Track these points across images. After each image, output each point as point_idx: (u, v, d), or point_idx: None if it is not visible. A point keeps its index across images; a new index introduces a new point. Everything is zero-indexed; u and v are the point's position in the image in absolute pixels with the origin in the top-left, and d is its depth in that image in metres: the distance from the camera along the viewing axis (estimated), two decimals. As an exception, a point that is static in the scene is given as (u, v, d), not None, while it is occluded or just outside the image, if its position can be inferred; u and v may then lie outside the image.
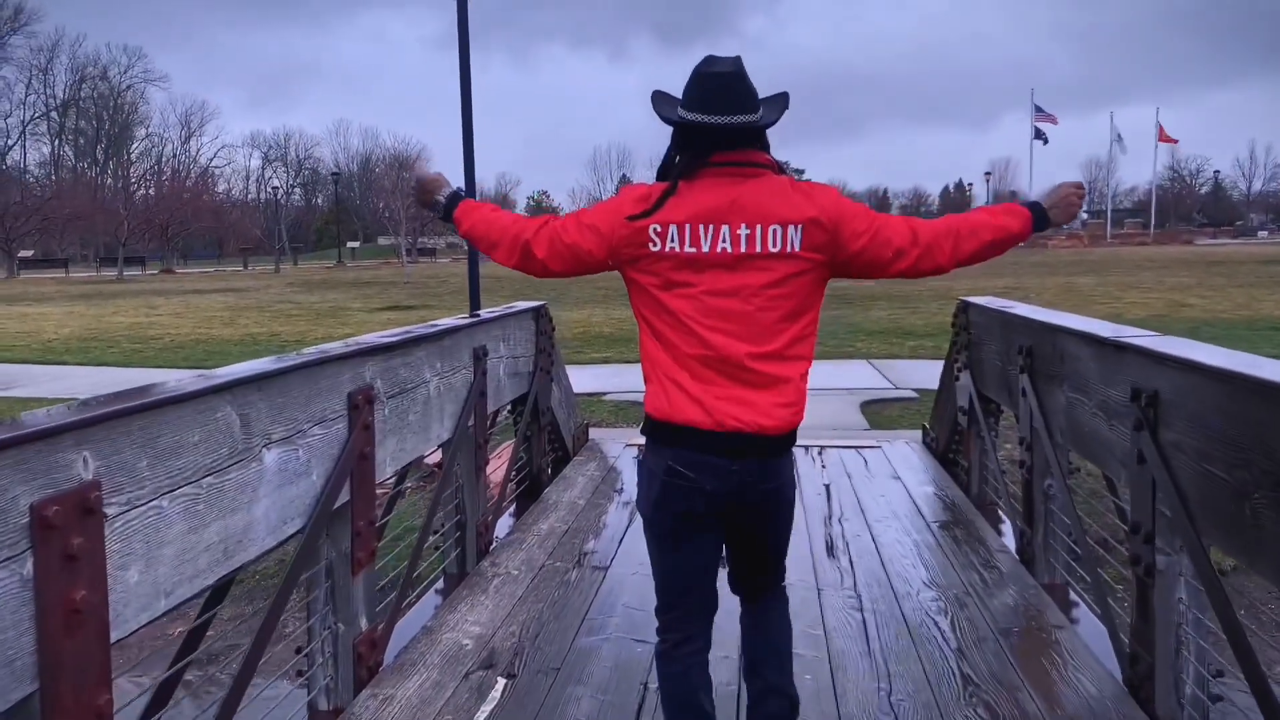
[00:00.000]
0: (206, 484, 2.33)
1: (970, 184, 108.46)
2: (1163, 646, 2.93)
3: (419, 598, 4.26)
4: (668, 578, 2.42)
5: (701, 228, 2.18)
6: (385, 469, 3.45)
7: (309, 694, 3.15)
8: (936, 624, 3.69)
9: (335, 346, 3.19)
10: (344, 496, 3.07)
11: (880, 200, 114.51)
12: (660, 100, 2.33)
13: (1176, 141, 69.76)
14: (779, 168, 2.30)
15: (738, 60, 2.27)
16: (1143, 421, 2.92)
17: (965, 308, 5.70)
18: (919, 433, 7.21)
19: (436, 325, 4.17)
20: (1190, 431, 2.68)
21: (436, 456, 5.16)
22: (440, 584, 4.41)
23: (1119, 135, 67.27)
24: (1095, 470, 4.22)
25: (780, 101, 2.33)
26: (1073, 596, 4.13)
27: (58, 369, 13.28)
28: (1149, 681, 2.99)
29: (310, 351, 3.06)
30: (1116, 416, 3.24)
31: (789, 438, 2.28)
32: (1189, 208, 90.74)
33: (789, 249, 2.18)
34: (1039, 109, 66.18)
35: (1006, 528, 5.06)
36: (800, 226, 2.18)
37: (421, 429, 3.81)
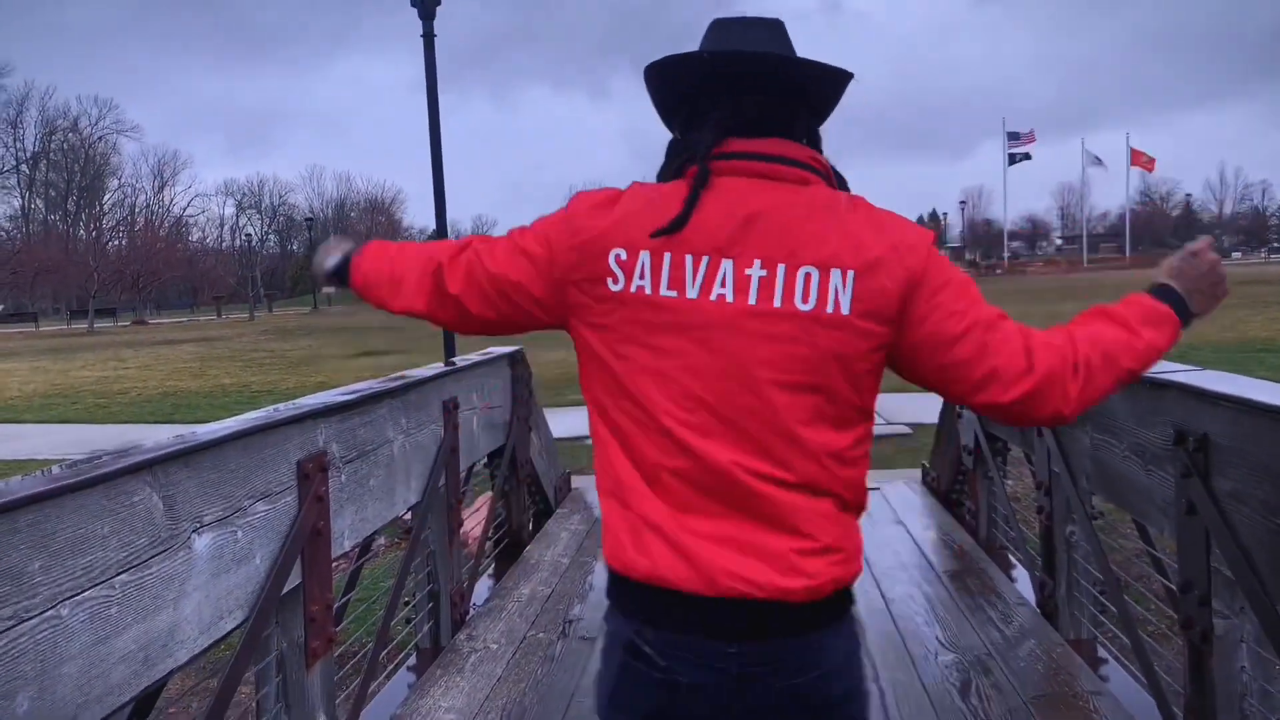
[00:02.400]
0: (120, 583, 1.96)
1: (945, 214, 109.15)
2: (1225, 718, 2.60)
3: (388, 679, 3.88)
4: None
5: (689, 260, 1.34)
6: (344, 542, 3.09)
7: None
8: (961, 694, 3.35)
9: (281, 409, 2.83)
10: (295, 579, 2.71)
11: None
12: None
13: (1153, 165, 70.20)
14: (833, 178, 1.45)
15: (779, 21, 1.50)
16: (1191, 468, 2.61)
17: (965, 341, 5.40)
18: (918, 471, 6.88)
19: (400, 378, 3.82)
20: (1253, 481, 2.36)
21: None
22: (412, 660, 4.04)
23: (1096, 158, 67.77)
24: (1105, 506, 3.91)
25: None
26: (1102, 653, 3.80)
27: (15, 428, 12.79)
28: (1210, 760, 2.65)
29: (252, 416, 2.71)
30: (1155, 461, 2.93)
31: (832, 604, 1.40)
32: (1162, 231, 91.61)
33: (830, 309, 1.32)
34: (1013, 134, 66.74)
35: (1019, 573, 4.73)
36: (852, 274, 1.32)
37: (385, 494, 3.45)
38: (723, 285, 1.34)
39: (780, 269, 1.33)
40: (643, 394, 1.37)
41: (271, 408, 2.83)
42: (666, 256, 1.35)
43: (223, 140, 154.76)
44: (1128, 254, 67.10)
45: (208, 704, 2.34)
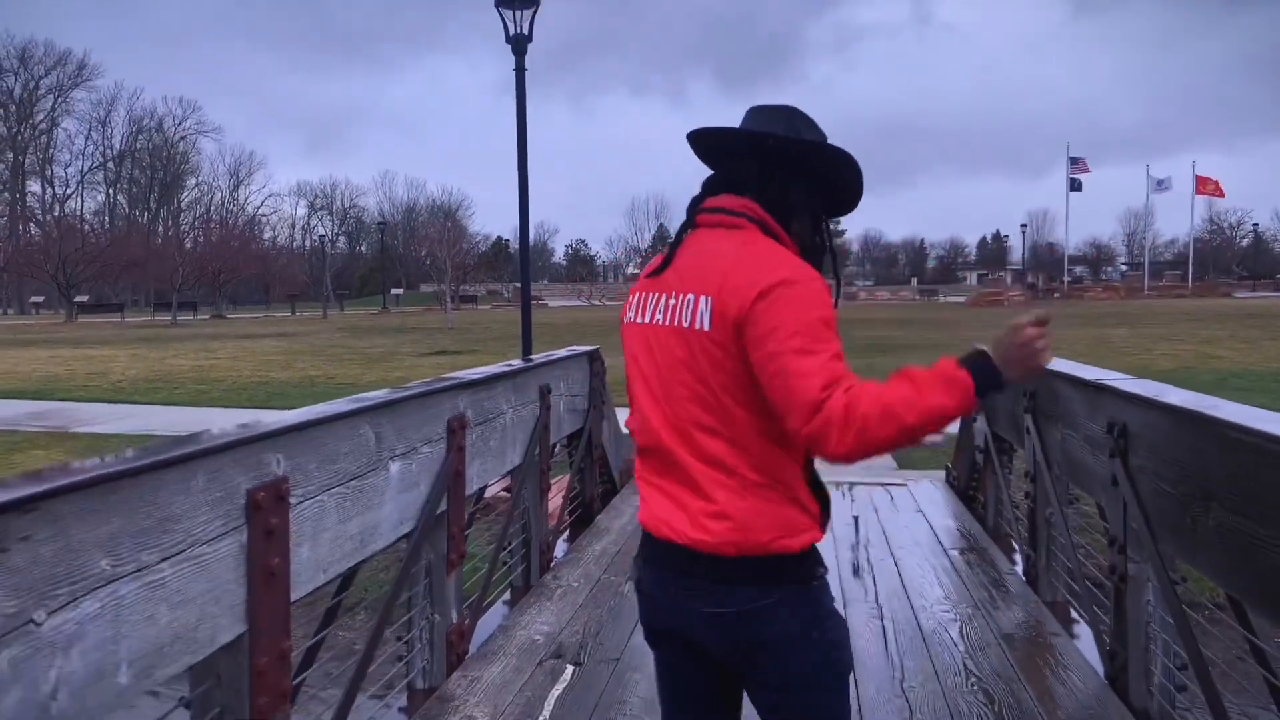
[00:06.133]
0: (352, 486, 2.94)
1: (1007, 235, 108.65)
2: (1135, 643, 3.44)
3: (490, 607, 4.83)
4: (658, 691, 2.07)
5: (651, 296, 1.89)
6: (471, 486, 4.06)
7: (408, 675, 3.72)
8: (947, 631, 4.22)
9: (437, 381, 3.82)
10: (442, 505, 3.67)
11: (917, 251, 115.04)
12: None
13: (1221, 192, 69.18)
14: (770, 224, 1.84)
15: (789, 107, 1.94)
16: (1115, 450, 3.46)
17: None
18: (943, 472, 7.71)
19: (511, 365, 4.81)
20: (1150, 456, 3.22)
21: (493, 490, 5.78)
22: (507, 596, 4.99)
23: (1159, 181, 67.17)
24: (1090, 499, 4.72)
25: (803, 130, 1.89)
26: (1073, 614, 4.63)
27: (130, 407, 14.10)
28: (1124, 674, 3.50)
29: (419, 384, 3.69)
30: (1098, 447, 3.78)
31: (758, 566, 1.78)
32: (1229, 260, 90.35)
33: (698, 326, 1.76)
34: (1074, 159, 66.66)
35: (1020, 556, 5.56)
36: (710, 300, 1.75)
37: (499, 454, 4.42)
38: (657, 311, 1.86)
39: (681, 297, 1.81)
40: (629, 391, 1.95)
41: (432, 379, 3.82)
42: (640, 295, 1.92)
43: (300, 141, 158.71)
44: (1190, 282, 66.55)
45: (393, 582, 3.31)
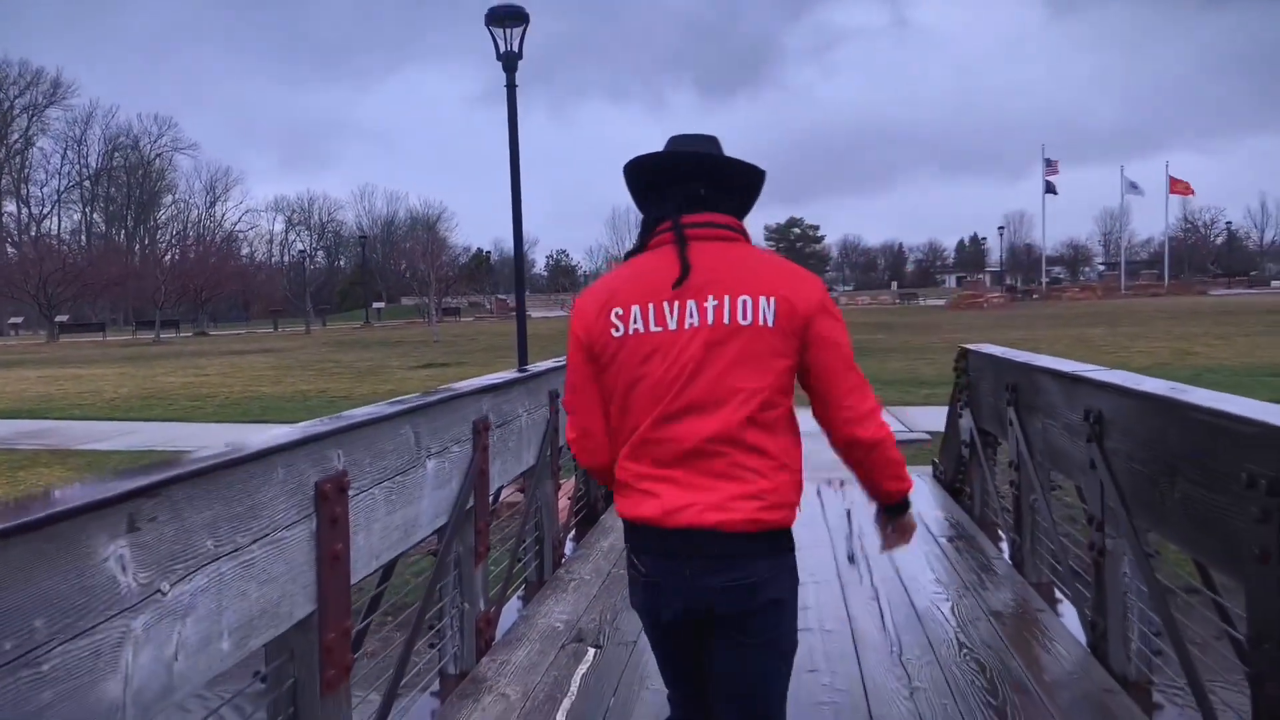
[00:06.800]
0: (397, 481, 3.21)
1: (984, 238, 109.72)
2: (1114, 612, 3.75)
3: (507, 600, 5.09)
4: (661, 666, 2.32)
5: (667, 305, 2.03)
6: (493, 484, 4.32)
7: (440, 661, 3.98)
8: (940, 609, 4.51)
9: (463, 386, 4.10)
10: (469, 502, 3.94)
11: (896, 254, 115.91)
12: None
13: (1190, 191, 70.27)
14: (749, 238, 2.16)
15: (711, 135, 2.20)
16: (1092, 435, 3.77)
17: (965, 354, 6.57)
18: (929, 468, 8.03)
19: (527, 371, 5.08)
20: (1122, 439, 3.53)
21: (505, 493, 6.04)
22: (521, 591, 5.25)
23: (1133, 184, 68.03)
24: (1070, 485, 5.03)
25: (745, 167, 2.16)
26: (1057, 594, 4.93)
27: (128, 424, 14.26)
28: (1105, 642, 3.80)
29: (446, 389, 3.96)
30: (1076, 434, 4.08)
31: (762, 541, 2.02)
32: (1204, 258, 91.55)
33: (761, 322, 1.99)
34: (1049, 161, 67.58)
35: (1005, 543, 5.86)
36: (774, 299, 2.00)
37: (516, 455, 4.69)
38: (691, 316, 2.01)
39: (726, 299, 2.00)
40: (633, 399, 2.06)
41: (456, 383, 4.08)
42: (650, 306, 2.04)
43: (276, 156, 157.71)
44: (1166, 281, 67.43)
45: (432, 571, 3.57)
